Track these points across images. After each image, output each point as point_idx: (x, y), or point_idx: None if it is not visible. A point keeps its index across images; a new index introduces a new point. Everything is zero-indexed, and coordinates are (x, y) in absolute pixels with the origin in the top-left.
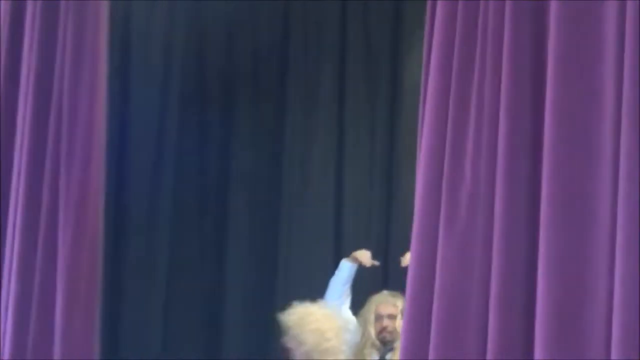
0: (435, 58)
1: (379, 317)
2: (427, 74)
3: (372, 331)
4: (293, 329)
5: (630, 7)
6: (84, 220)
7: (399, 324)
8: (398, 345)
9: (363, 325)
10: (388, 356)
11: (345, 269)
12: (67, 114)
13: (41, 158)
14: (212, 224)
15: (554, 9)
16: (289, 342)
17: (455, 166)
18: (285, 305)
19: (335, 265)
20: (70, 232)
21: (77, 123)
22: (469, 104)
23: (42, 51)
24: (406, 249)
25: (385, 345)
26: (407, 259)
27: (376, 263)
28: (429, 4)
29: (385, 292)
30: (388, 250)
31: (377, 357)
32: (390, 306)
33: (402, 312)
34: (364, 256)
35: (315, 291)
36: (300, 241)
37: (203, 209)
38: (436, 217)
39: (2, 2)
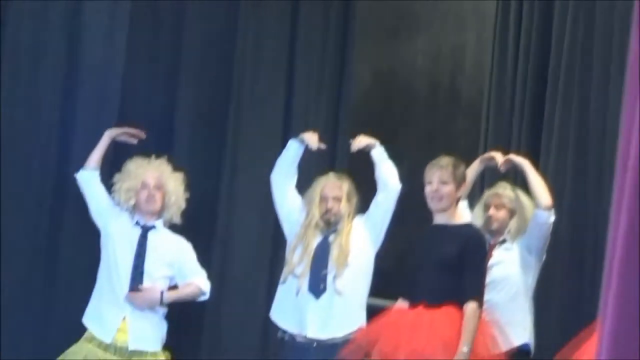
0: None
1: (324, 199)
2: None
3: (317, 212)
4: None
5: None
6: None
7: (344, 206)
8: (342, 227)
9: (308, 206)
10: (331, 238)
11: (293, 149)
12: None
13: None
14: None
15: None
16: None
17: None
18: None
19: (283, 145)
20: None
21: None
22: None
23: None
24: (355, 132)
25: (329, 226)
26: (357, 143)
27: (322, 146)
28: None
29: (331, 174)
30: (337, 132)
31: (320, 239)
32: (336, 188)
33: (347, 195)
34: (312, 138)
35: (265, 169)
36: (249, 121)
37: None
38: None
39: None
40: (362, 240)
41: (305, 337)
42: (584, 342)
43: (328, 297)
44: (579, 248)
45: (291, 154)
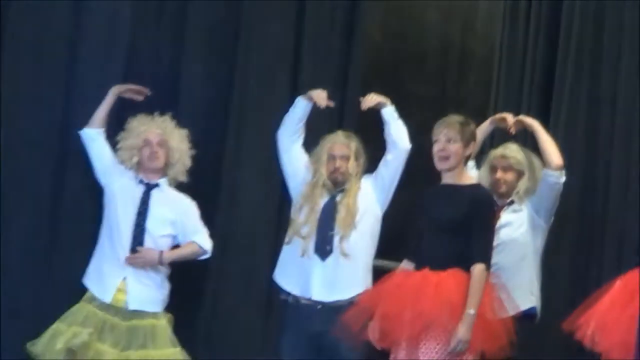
0: None
1: (331, 158)
2: None
3: (324, 171)
4: None
5: None
6: None
7: (352, 165)
8: (349, 187)
9: (315, 164)
10: (338, 198)
11: (300, 107)
12: None
13: None
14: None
15: None
16: None
17: None
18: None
19: (290, 104)
20: None
21: None
22: None
23: None
24: (366, 91)
25: (337, 185)
26: (368, 101)
27: (331, 104)
28: None
29: (339, 133)
30: (346, 91)
31: (327, 199)
32: (344, 147)
33: (355, 154)
34: (320, 96)
35: (272, 128)
36: (256, 79)
37: None
38: None
39: None
40: (370, 200)
41: (309, 299)
42: (589, 310)
43: (334, 259)
44: (588, 213)
45: (298, 111)
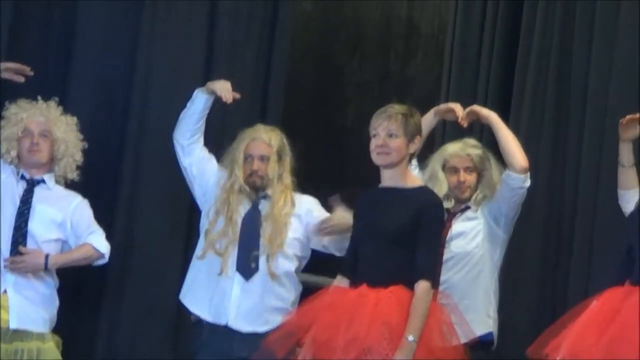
0: None
1: (248, 158)
2: None
3: (240, 174)
4: None
5: None
6: None
7: (273, 167)
8: (272, 193)
9: (230, 166)
10: (261, 206)
11: (200, 102)
12: None
13: None
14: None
15: None
16: None
17: None
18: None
19: None
20: None
21: None
22: None
23: None
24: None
25: (257, 191)
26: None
27: (237, 96)
28: None
29: (259, 127)
30: (269, 74)
31: (249, 206)
32: (264, 146)
33: (277, 153)
34: (223, 87)
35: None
36: (161, 58)
37: None
38: None
39: None
40: (303, 220)
41: (225, 327)
42: (558, 335)
43: (261, 280)
44: (555, 221)
45: (197, 107)
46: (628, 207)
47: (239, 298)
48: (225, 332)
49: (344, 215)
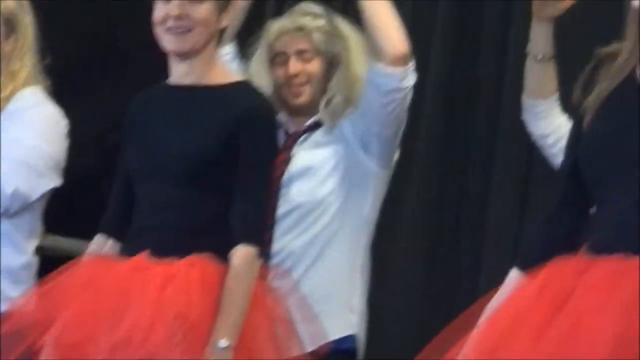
0: None
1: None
2: None
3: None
4: None
5: None
6: None
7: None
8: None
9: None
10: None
11: None
12: None
13: None
14: None
15: None
16: None
17: None
18: None
19: None
20: None
21: None
22: None
23: None
24: None
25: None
26: None
27: None
28: None
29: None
30: None
31: None
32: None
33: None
34: None
35: None
36: None
37: None
38: None
39: None
40: None
41: None
42: (466, 333)
43: None
44: (450, 189)
45: None
46: (539, 126)
47: None
48: None
49: None
